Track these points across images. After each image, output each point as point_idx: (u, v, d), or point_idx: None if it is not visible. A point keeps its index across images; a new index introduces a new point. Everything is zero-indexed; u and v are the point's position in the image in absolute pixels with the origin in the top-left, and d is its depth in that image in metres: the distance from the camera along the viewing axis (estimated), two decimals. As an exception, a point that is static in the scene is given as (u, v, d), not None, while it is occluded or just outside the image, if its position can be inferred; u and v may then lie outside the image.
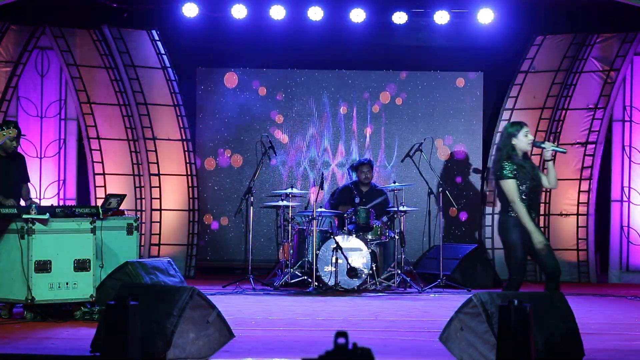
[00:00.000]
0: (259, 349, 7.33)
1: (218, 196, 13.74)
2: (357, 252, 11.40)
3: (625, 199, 13.08)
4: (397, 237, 11.73)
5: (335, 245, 11.28)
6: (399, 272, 11.66)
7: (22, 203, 9.59)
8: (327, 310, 9.85)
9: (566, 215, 13.23)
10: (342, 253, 11.27)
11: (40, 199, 12.76)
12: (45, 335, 7.97)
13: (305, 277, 11.60)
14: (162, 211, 13.27)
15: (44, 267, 8.71)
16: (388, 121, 13.80)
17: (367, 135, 13.84)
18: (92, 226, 8.98)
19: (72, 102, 13.08)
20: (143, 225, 12.95)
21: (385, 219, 12.03)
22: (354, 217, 11.69)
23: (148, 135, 13.20)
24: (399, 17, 12.95)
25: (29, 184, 10.00)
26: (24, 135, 9.85)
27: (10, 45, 12.53)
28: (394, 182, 12.30)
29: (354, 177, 12.69)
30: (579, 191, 13.17)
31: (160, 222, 13.24)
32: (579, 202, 13.17)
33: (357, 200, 12.19)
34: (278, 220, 12.48)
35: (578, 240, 13.14)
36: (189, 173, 13.36)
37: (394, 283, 11.67)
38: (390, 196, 12.35)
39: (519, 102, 13.41)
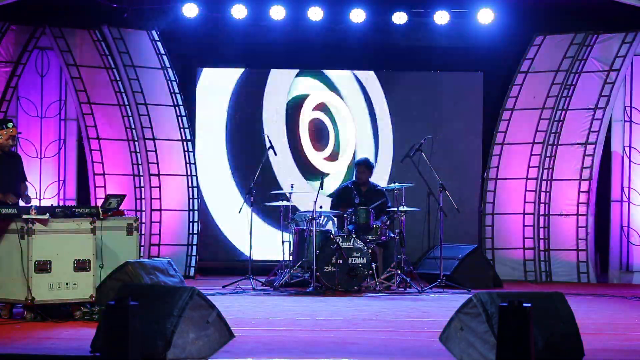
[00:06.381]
0: (259, 349, 7.32)
1: (218, 196, 13.75)
2: (357, 252, 11.39)
3: (625, 199, 13.08)
4: (397, 237, 11.72)
5: (335, 246, 11.28)
6: (399, 272, 11.65)
7: (21, 202, 9.59)
8: (327, 311, 9.84)
9: (566, 215, 13.22)
10: (342, 253, 11.27)
11: (40, 199, 12.76)
12: (45, 335, 7.96)
13: (305, 277, 11.59)
14: (162, 211, 13.26)
15: (44, 267, 8.71)
16: (388, 121, 13.79)
17: (367, 135, 13.83)
18: (92, 226, 8.97)
19: (72, 102, 13.07)
20: (143, 225, 12.95)
21: (384, 219, 12.02)
22: (353, 217, 11.69)
23: (148, 136, 13.20)
24: (399, 17, 12.95)
25: (26, 182, 10.00)
26: (20, 132, 9.84)
27: (10, 45, 12.53)
28: (394, 182, 12.29)
29: (353, 177, 12.66)
30: (579, 191, 13.16)
31: (160, 222, 13.23)
32: (578, 202, 13.16)
33: (356, 200, 12.17)
34: (278, 220, 12.45)
35: (578, 241, 13.13)
36: (188, 173, 13.35)
37: (394, 283, 11.66)
38: (390, 196, 12.33)
39: (519, 102, 13.40)
